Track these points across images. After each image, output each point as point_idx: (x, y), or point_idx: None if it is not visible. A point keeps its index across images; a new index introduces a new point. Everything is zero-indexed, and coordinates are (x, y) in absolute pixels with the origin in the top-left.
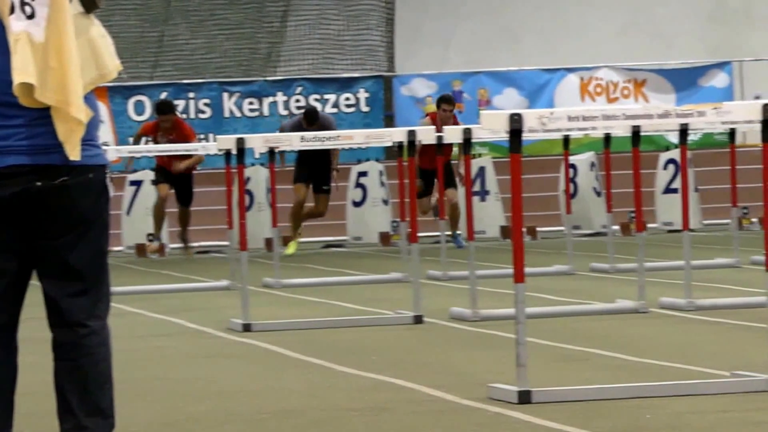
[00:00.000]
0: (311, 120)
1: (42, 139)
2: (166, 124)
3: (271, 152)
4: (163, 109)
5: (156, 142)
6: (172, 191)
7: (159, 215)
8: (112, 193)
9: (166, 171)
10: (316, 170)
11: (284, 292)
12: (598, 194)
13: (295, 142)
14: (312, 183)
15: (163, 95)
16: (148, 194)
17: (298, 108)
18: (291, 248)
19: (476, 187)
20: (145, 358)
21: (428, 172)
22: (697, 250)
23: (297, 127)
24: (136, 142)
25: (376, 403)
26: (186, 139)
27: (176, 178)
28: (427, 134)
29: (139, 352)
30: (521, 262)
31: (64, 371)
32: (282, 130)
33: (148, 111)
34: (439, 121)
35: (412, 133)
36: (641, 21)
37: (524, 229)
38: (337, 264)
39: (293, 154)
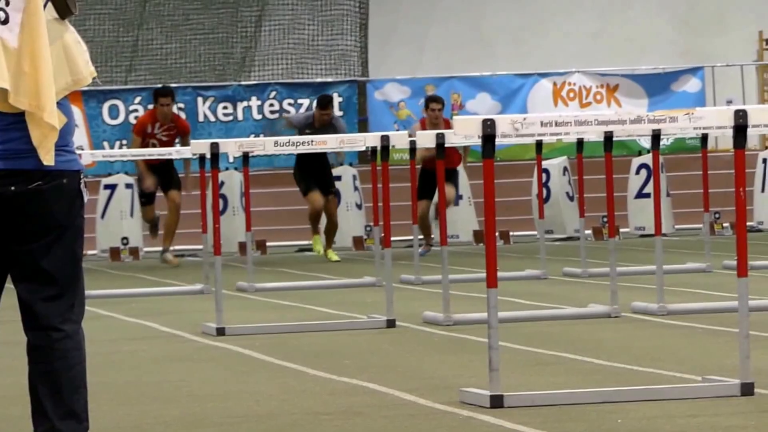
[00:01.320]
0: (324, 105)
1: (16, 144)
2: (167, 109)
3: (245, 157)
4: (164, 92)
5: (152, 136)
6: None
7: (155, 227)
8: (86, 197)
9: (154, 167)
10: (319, 174)
11: (258, 296)
12: (571, 199)
13: (268, 146)
14: (318, 188)
15: (138, 99)
16: (123, 198)
17: (272, 112)
18: (332, 256)
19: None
20: (118, 362)
21: (431, 173)
22: (669, 254)
23: (307, 121)
24: (143, 142)
25: (349, 407)
26: (185, 130)
27: (162, 169)
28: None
29: (112, 355)
30: (494, 267)
31: (38, 375)
32: (290, 123)
33: (123, 115)
34: (428, 123)
35: (385, 138)
36: (614, 26)
37: (497, 234)
38: (310, 268)
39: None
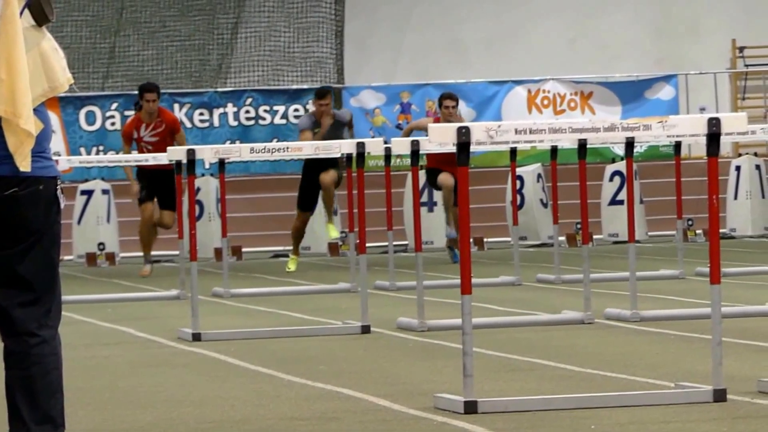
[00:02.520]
0: (321, 95)
1: None
2: (153, 105)
3: (221, 163)
4: (150, 87)
5: (140, 140)
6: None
7: (148, 238)
8: (63, 203)
9: (149, 174)
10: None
11: (233, 301)
12: (545, 205)
13: (244, 153)
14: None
15: (114, 106)
16: (99, 204)
17: (248, 119)
18: (332, 231)
19: (424, 198)
20: (93, 367)
21: (436, 172)
22: (643, 261)
23: (311, 120)
24: (128, 146)
25: (323, 412)
26: (173, 125)
27: (159, 178)
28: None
29: (88, 360)
30: (468, 274)
31: (14, 380)
32: (300, 128)
33: (99, 121)
34: (442, 120)
35: (361, 145)
36: (588, 34)
37: (471, 240)
38: (286, 274)
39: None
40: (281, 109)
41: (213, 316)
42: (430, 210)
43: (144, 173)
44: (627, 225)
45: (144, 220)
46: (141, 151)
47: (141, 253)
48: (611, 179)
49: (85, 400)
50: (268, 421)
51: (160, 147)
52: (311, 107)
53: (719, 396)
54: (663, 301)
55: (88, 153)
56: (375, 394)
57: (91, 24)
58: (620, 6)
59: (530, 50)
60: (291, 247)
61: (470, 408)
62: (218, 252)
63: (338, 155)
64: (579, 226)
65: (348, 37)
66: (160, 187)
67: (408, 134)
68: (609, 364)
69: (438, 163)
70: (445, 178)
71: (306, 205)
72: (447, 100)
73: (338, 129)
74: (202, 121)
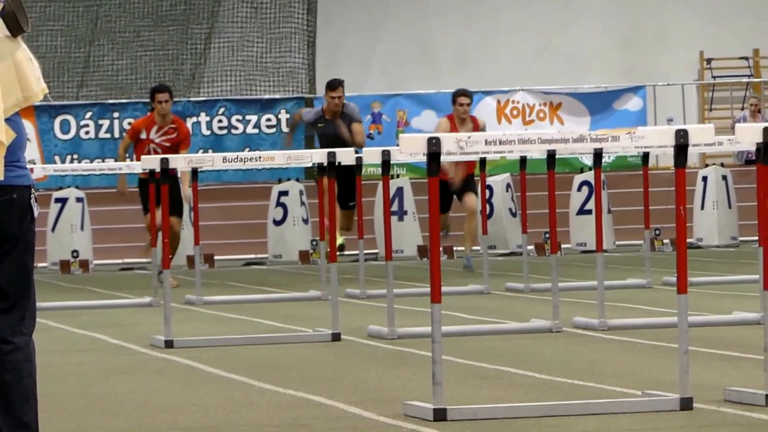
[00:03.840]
0: (335, 86)
1: None
2: (165, 106)
3: (194, 172)
4: (162, 87)
5: (149, 141)
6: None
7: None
8: (37, 212)
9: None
10: (342, 185)
11: (206, 309)
12: (514, 215)
13: (217, 162)
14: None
15: (89, 115)
16: (73, 211)
17: (221, 128)
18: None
19: (394, 207)
20: (67, 373)
21: (445, 184)
22: (610, 270)
23: (317, 115)
24: (126, 149)
25: (294, 419)
26: (186, 137)
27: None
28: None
29: (61, 367)
30: (438, 283)
31: None
32: (296, 120)
33: (74, 130)
34: (456, 118)
35: (332, 154)
36: (557, 45)
37: (441, 248)
38: (257, 281)
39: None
40: (254, 118)
41: (185, 323)
42: (401, 219)
43: (147, 182)
44: (595, 234)
45: (164, 233)
46: (146, 153)
47: (119, 260)
48: (579, 189)
49: (59, 406)
50: (240, 427)
51: (171, 151)
52: (283, 116)
53: (686, 404)
54: (630, 310)
55: (63, 161)
56: (345, 401)
57: (65, 33)
58: (589, 18)
59: (500, 61)
60: (263, 255)
61: (439, 415)
62: (191, 260)
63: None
64: (547, 235)
65: (320, 47)
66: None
67: None
68: (577, 373)
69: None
70: (469, 200)
71: (342, 204)
72: (461, 98)
73: (349, 124)
74: None
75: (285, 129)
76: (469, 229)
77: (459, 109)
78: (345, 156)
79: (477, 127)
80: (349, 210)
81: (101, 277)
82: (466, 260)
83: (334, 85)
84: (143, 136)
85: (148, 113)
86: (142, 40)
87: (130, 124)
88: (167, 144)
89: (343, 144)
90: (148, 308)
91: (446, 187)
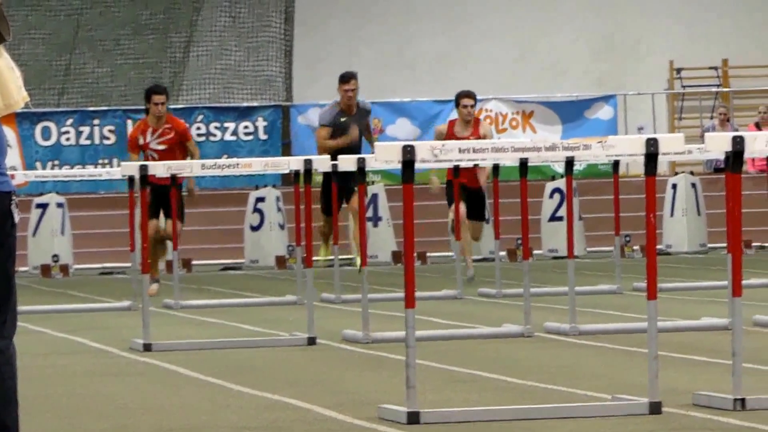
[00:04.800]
0: (347, 79)
1: None
2: (161, 108)
3: (173, 178)
4: (159, 89)
5: (146, 147)
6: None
7: (154, 256)
8: (17, 218)
9: (153, 188)
10: (344, 191)
11: (184, 313)
12: (487, 221)
13: (195, 169)
14: (345, 197)
15: (69, 121)
16: (54, 217)
17: (199, 135)
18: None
19: (369, 213)
20: (48, 376)
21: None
22: (581, 276)
23: (333, 111)
24: (136, 154)
25: (272, 421)
26: (184, 133)
27: (164, 191)
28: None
29: (43, 369)
30: (412, 288)
31: None
32: (321, 122)
33: (55, 137)
34: (459, 121)
35: (308, 162)
36: (530, 54)
37: (415, 254)
38: (234, 286)
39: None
40: (231, 126)
41: (164, 327)
42: (375, 225)
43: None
44: (566, 241)
45: (147, 238)
46: (146, 160)
47: (99, 264)
48: (551, 196)
49: (41, 409)
50: (218, 429)
51: (167, 156)
52: (260, 124)
53: (655, 408)
54: (601, 315)
55: (44, 167)
56: (321, 404)
57: (47, 42)
58: (562, 28)
59: (474, 70)
60: (240, 260)
61: (413, 419)
62: (169, 264)
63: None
64: (520, 241)
65: (297, 56)
66: (166, 200)
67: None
68: (548, 377)
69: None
70: (477, 230)
71: (329, 210)
72: (465, 99)
73: (363, 118)
74: None
75: (262, 136)
76: (469, 246)
77: (463, 111)
78: (321, 163)
79: (477, 132)
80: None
81: (81, 281)
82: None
83: (347, 77)
84: (141, 142)
85: (142, 118)
86: (122, 48)
87: (111, 131)
88: (163, 146)
89: (359, 139)
90: (128, 312)
91: (476, 192)
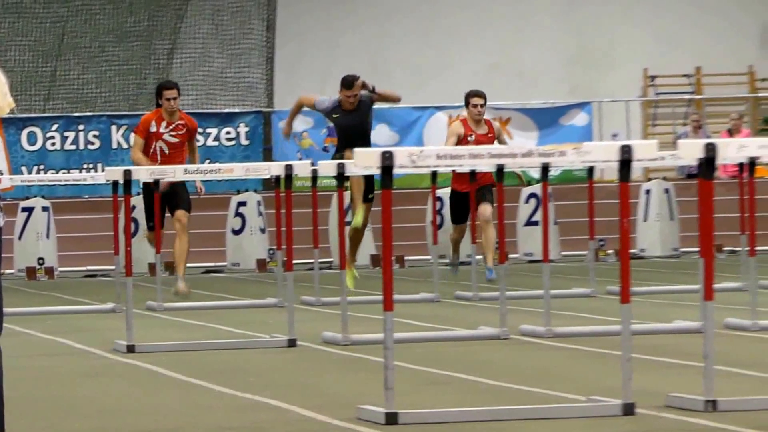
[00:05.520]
0: (349, 84)
1: None
2: (174, 103)
3: (156, 183)
4: (169, 84)
5: (159, 136)
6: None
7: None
8: (2, 221)
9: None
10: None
11: (166, 315)
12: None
13: (178, 174)
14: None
15: (55, 127)
16: (39, 220)
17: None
18: (349, 280)
19: (348, 217)
20: (33, 377)
21: (462, 195)
22: (556, 279)
23: (333, 105)
24: (141, 149)
25: (253, 422)
26: (194, 129)
27: (167, 191)
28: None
29: (27, 370)
30: (390, 291)
31: None
32: (302, 104)
33: (40, 142)
34: (469, 119)
35: (289, 167)
36: (506, 62)
37: (393, 258)
38: (216, 289)
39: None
40: (214, 131)
41: (147, 329)
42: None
43: (152, 191)
44: (542, 245)
45: (151, 242)
46: (152, 153)
47: (84, 267)
48: (527, 201)
49: (26, 409)
50: (200, 430)
51: (177, 151)
52: (242, 130)
53: (628, 410)
54: (575, 318)
55: (30, 172)
56: (301, 405)
57: (33, 49)
58: (538, 38)
59: (452, 77)
60: (222, 263)
61: (391, 419)
62: (152, 267)
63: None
64: (496, 245)
65: (278, 63)
66: (170, 197)
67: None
68: (523, 379)
69: (465, 185)
70: (484, 211)
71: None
72: (474, 98)
73: (367, 112)
74: None
75: (244, 142)
76: (486, 239)
77: (473, 110)
78: (301, 168)
79: (492, 130)
80: (368, 203)
81: (66, 284)
82: (488, 272)
83: (349, 82)
84: (153, 129)
85: (156, 108)
86: (106, 55)
87: (95, 137)
88: (176, 140)
89: (363, 134)
90: (111, 314)
91: (464, 198)
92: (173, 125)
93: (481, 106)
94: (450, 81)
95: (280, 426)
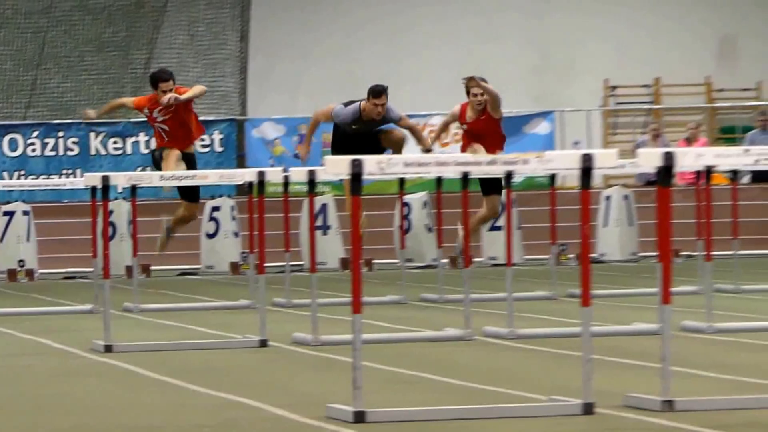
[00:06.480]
0: (378, 93)
1: None
2: (170, 94)
3: (133, 188)
4: (166, 77)
5: (153, 120)
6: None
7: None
8: None
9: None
10: None
11: (143, 316)
12: (430, 230)
13: (154, 180)
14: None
15: (35, 133)
16: (20, 224)
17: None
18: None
19: (319, 222)
20: (13, 375)
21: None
22: (519, 283)
23: (354, 116)
24: (121, 106)
25: (226, 420)
26: (189, 118)
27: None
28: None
29: (7, 369)
30: (359, 294)
31: None
32: (320, 118)
33: (21, 148)
34: (470, 106)
35: (261, 173)
36: (472, 73)
37: (361, 261)
38: (191, 290)
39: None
40: None
41: (124, 329)
42: (325, 233)
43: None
44: (505, 249)
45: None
46: (156, 133)
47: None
48: None
49: (6, 407)
50: (177, 427)
51: (174, 123)
52: (216, 137)
53: (588, 409)
54: (537, 320)
55: (11, 177)
56: (272, 403)
57: (14, 58)
58: (501, 47)
59: (419, 87)
60: (196, 266)
61: (359, 417)
62: (129, 270)
63: None
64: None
65: (251, 73)
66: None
67: (442, 130)
68: (487, 378)
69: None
70: (493, 202)
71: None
72: (476, 88)
73: (384, 124)
74: (116, 148)
75: (218, 149)
76: (475, 220)
77: (473, 99)
78: (273, 175)
79: (487, 115)
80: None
81: (45, 286)
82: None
83: (379, 91)
84: (146, 113)
85: (154, 93)
86: (85, 64)
87: (74, 143)
88: (166, 116)
89: (377, 145)
90: (89, 315)
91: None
92: (164, 110)
93: (481, 95)
94: (417, 91)
95: (254, 423)
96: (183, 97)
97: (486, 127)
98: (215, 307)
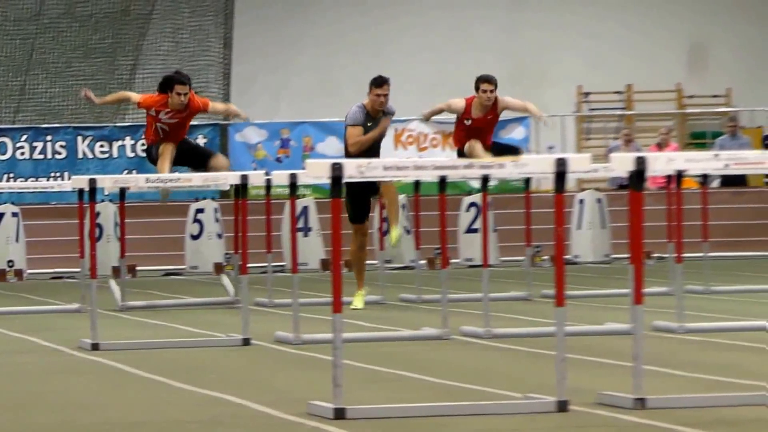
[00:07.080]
0: (380, 83)
1: None
2: (183, 99)
3: (122, 191)
4: (183, 80)
5: (158, 120)
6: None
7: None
8: None
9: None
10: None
11: (129, 314)
12: (408, 232)
13: (140, 183)
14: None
15: (24, 138)
16: (9, 225)
17: (143, 151)
18: (358, 301)
19: (300, 224)
20: (3, 373)
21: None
22: (495, 283)
23: (362, 116)
24: (121, 100)
25: (210, 416)
26: (201, 108)
27: (181, 149)
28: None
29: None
30: (339, 294)
31: None
32: (350, 122)
33: (10, 152)
34: (476, 104)
35: (245, 177)
36: (449, 80)
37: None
38: (175, 290)
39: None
40: None
41: (110, 327)
42: (306, 235)
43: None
44: (481, 251)
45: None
46: (154, 130)
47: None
48: (468, 210)
49: None
50: (161, 423)
51: (176, 125)
52: (200, 141)
53: (562, 407)
54: (513, 320)
55: (0, 180)
56: (255, 400)
57: (3, 64)
58: (479, 56)
59: (397, 94)
60: (181, 267)
61: (339, 414)
62: (116, 270)
63: None
64: (438, 251)
65: (234, 79)
66: (186, 155)
67: (435, 113)
68: (464, 377)
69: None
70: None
71: (359, 217)
72: (484, 84)
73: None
74: (102, 152)
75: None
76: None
77: (483, 95)
78: (256, 178)
79: (494, 112)
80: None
81: (34, 285)
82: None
83: (380, 82)
84: (152, 113)
85: (165, 94)
86: (73, 70)
87: (62, 147)
88: (174, 120)
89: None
90: (77, 314)
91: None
92: (173, 112)
93: (491, 91)
94: (394, 97)
95: (237, 420)
96: (233, 110)
97: (489, 125)
98: (199, 305)
